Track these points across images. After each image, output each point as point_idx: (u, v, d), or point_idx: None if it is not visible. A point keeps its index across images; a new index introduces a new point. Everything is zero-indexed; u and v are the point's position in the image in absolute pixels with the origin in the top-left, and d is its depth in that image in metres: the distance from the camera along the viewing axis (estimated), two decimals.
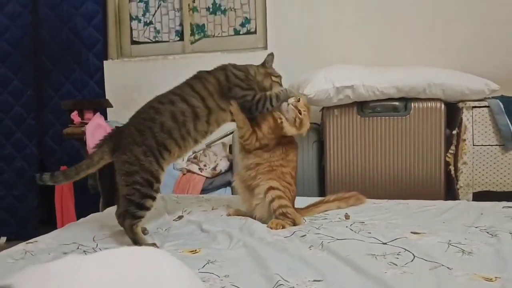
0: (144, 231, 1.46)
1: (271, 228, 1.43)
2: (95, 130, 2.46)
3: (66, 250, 1.29)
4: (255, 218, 1.54)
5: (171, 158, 1.45)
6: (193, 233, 1.44)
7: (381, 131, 2.17)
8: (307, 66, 2.47)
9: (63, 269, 0.54)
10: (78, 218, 1.79)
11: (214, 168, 2.53)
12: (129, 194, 1.37)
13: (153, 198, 1.39)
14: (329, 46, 2.70)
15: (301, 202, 1.67)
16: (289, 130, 1.53)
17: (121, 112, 2.90)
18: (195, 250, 1.24)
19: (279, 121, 1.52)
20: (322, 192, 2.30)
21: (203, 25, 3.07)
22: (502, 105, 2.05)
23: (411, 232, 1.31)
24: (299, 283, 0.99)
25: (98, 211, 2.04)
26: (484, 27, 2.53)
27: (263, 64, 1.61)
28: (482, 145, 2.09)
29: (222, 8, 3.03)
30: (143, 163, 1.36)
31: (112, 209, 1.80)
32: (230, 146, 2.66)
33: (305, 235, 1.33)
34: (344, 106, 2.19)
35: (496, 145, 2.07)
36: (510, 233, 1.27)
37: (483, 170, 2.09)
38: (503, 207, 1.61)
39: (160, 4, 3.12)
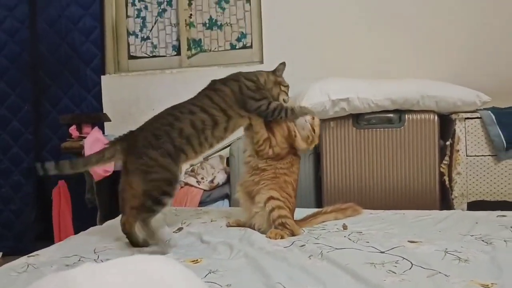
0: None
1: (270, 238, 1.45)
2: (93, 144, 2.47)
3: (68, 263, 1.30)
4: (254, 227, 1.56)
5: (186, 161, 1.50)
6: (193, 244, 1.46)
7: (377, 143, 2.21)
8: (302, 79, 2.51)
9: (84, 276, 0.56)
10: (75, 233, 1.79)
11: (212, 181, 2.54)
12: (149, 190, 1.39)
13: (171, 196, 1.42)
14: (324, 60, 2.75)
15: (299, 213, 1.69)
16: (301, 144, 1.60)
17: (118, 126, 2.93)
18: (197, 260, 1.25)
19: (293, 133, 1.59)
20: (319, 203, 2.32)
21: (200, 40, 3.12)
22: (493, 116, 2.10)
23: (408, 241, 1.33)
24: None
25: (96, 225, 2.04)
26: (475, 41, 2.59)
27: (274, 72, 1.65)
28: (475, 156, 2.13)
29: (219, 23, 3.08)
30: (161, 163, 1.39)
31: (112, 222, 1.82)
32: (227, 159, 2.68)
33: (304, 245, 1.35)
34: (340, 118, 2.23)
35: (489, 155, 2.11)
36: (505, 241, 1.30)
37: (477, 180, 2.13)
38: (497, 216, 1.64)
39: (157, 20, 3.17)
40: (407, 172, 2.18)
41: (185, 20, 3.11)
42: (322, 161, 2.27)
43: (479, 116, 2.12)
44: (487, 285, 1.00)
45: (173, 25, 3.15)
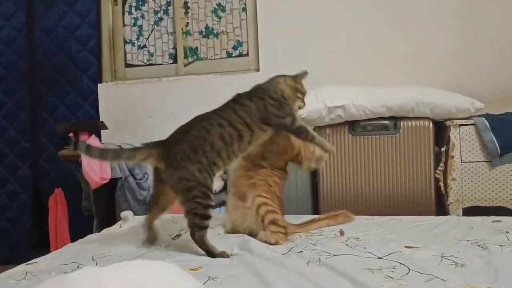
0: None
1: (262, 238, 1.48)
2: None
3: (67, 270, 1.30)
4: (245, 231, 1.58)
5: (218, 173, 1.55)
6: (192, 251, 1.46)
7: (372, 149, 2.23)
8: None
9: (85, 279, 0.56)
10: (72, 241, 1.79)
11: None
12: (193, 208, 1.43)
13: (212, 207, 1.47)
14: (320, 67, 2.76)
15: (293, 219, 1.71)
16: (304, 170, 1.75)
17: (115, 134, 2.95)
18: (196, 268, 1.26)
19: (305, 161, 1.68)
20: (316, 209, 2.33)
21: (196, 48, 3.14)
22: (487, 123, 2.12)
23: (405, 247, 1.35)
24: None
25: (92, 233, 2.04)
26: (469, 49, 2.63)
27: (294, 77, 1.66)
28: (470, 162, 2.15)
29: (215, 31, 3.11)
30: (199, 180, 1.42)
31: (109, 230, 1.82)
32: None
33: (302, 251, 1.36)
34: (336, 125, 2.25)
35: (483, 161, 2.13)
36: (500, 246, 1.31)
37: (472, 186, 2.15)
38: (492, 221, 1.66)
39: (154, 28, 3.19)
40: (403, 178, 2.20)
41: (182, 29, 3.13)
42: (319, 168, 2.28)
43: (473, 123, 2.15)
44: None
45: (169, 33, 3.17)
